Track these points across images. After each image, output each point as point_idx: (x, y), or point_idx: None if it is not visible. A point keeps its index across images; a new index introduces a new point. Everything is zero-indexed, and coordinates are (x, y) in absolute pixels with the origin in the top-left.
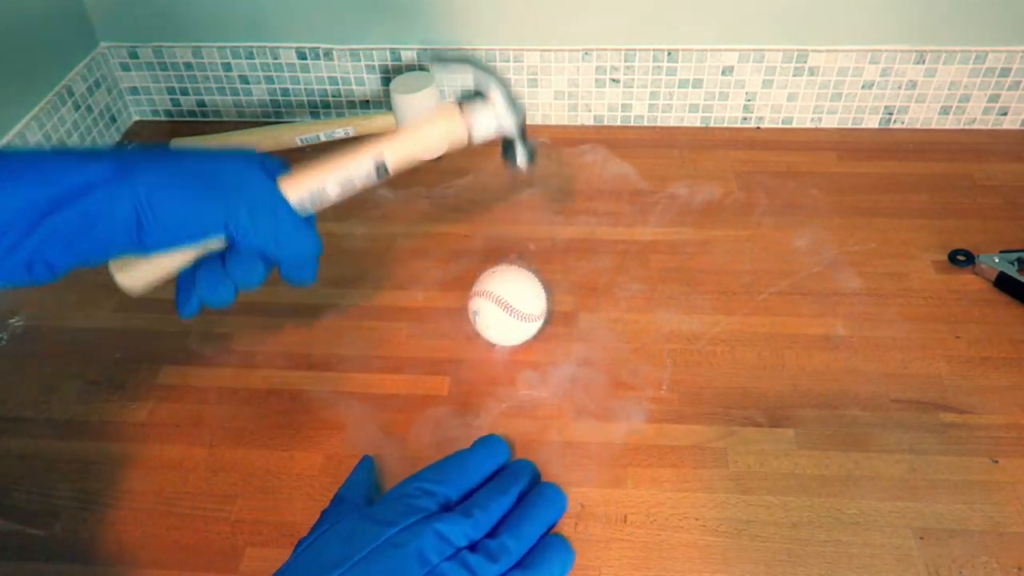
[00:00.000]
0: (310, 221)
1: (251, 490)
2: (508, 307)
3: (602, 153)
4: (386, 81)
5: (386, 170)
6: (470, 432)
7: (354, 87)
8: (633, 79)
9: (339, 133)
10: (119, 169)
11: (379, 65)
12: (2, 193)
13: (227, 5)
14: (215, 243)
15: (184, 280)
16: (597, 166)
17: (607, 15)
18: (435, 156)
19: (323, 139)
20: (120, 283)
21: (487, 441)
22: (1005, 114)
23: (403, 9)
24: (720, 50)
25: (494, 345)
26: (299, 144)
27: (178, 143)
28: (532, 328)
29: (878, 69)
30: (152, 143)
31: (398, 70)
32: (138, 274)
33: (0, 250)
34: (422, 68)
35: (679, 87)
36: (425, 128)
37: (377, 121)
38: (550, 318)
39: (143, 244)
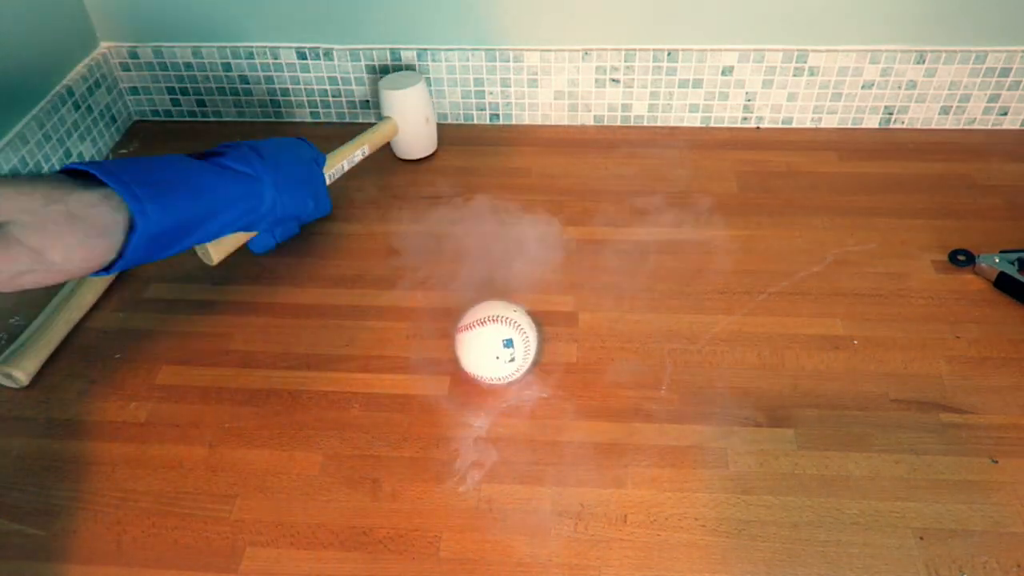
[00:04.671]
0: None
1: (251, 490)
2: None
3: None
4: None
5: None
6: (470, 432)
7: (354, 87)
8: (633, 79)
9: (358, 156)
10: (265, 179)
11: (379, 65)
12: (210, 194)
13: (227, 5)
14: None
15: (263, 235)
16: (598, 167)
17: (607, 15)
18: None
19: (347, 168)
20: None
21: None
22: (1005, 114)
23: (403, 9)
24: (720, 50)
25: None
26: (330, 181)
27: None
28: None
29: (878, 69)
30: (152, 144)
31: (398, 69)
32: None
33: (203, 231)
34: (408, 68)
35: (679, 87)
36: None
37: (383, 129)
38: (550, 319)
39: (255, 227)
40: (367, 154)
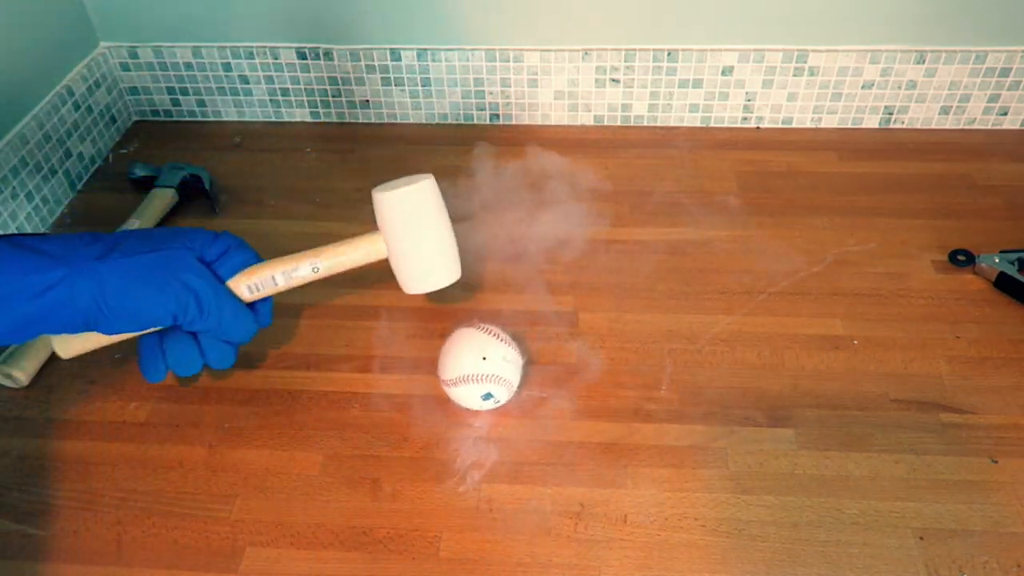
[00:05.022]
0: (265, 303)
1: (251, 490)
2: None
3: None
4: (386, 81)
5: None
6: (470, 432)
7: (354, 87)
8: (633, 79)
9: (303, 272)
10: (79, 267)
11: (379, 65)
12: None
13: (227, 5)
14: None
15: (148, 348)
16: (597, 167)
17: (607, 15)
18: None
19: (281, 285)
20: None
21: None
22: (1005, 114)
23: (403, 9)
24: (720, 50)
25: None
26: (249, 295)
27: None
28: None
29: (878, 69)
30: (152, 144)
31: (398, 70)
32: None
33: None
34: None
35: (679, 87)
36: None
37: (357, 246)
38: (550, 319)
39: (97, 328)
40: (320, 272)
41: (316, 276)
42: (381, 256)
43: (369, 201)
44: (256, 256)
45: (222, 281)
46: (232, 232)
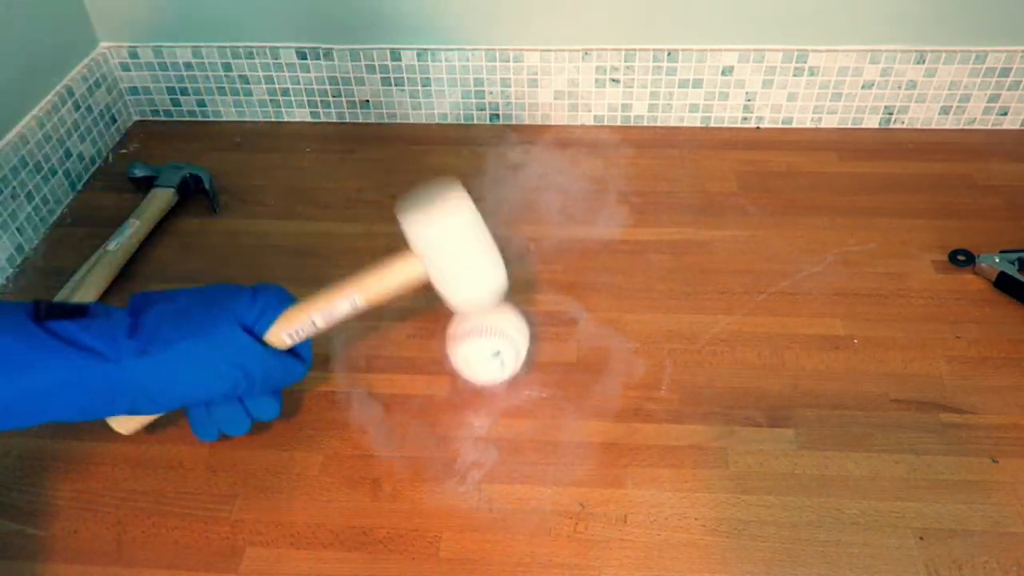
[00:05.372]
0: (305, 344)
1: (251, 490)
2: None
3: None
4: (386, 81)
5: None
6: (470, 432)
7: (354, 87)
8: (633, 79)
9: (344, 308)
10: (122, 365)
11: (379, 65)
12: (31, 373)
13: (227, 5)
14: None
15: (198, 416)
16: (597, 167)
17: (607, 15)
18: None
19: (321, 326)
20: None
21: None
22: (1005, 114)
23: (403, 9)
24: (720, 50)
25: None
26: (290, 341)
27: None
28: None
29: (878, 69)
30: (152, 144)
31: (398, 70)
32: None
33: (25, 414)
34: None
35: (679, 87)
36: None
37: (397, 270)
38: (550, 319)
39: (140, 414)
40: (360, 306)
41: (356, 311)
42: (421, 280)
43: (370, 202)
44: (292, 298)
45: (263, 341)
46: (232, 232)
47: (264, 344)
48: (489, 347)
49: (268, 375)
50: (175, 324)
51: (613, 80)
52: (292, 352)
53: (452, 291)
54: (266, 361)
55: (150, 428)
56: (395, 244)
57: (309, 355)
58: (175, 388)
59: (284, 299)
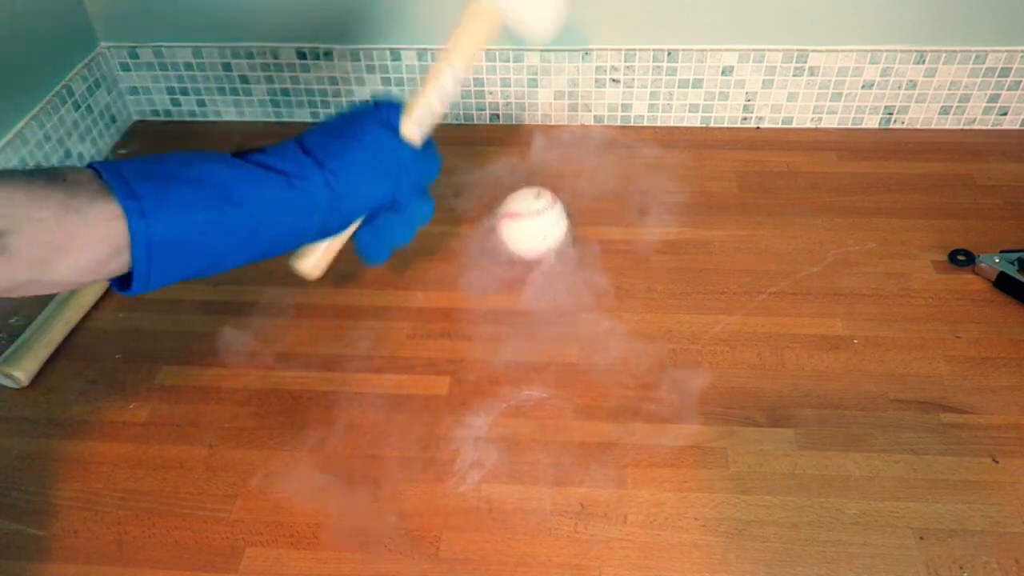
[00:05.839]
0: (431, 142)
1: (251, 490)
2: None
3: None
4: (386, 81)
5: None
6: (471, 432)
7: (354, 87)
8: (633, 79)
9: (447, 82)
10: (308, 172)
11: (379, 65)
12: (239, 193)
13: (227, 5)
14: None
15: (365, 239)
16: (598, 167)
17: (607, 15)
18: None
19: (440, 107)
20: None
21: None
22: (1005, 114)
23: (403, 9)
24: (720, 50)
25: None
26: (422, 133)
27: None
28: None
29: (878, 69)
30: (152, 144)
31: (398, 70)
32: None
33: (241, 243)
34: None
35: (679, 87)
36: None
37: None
38: (550, 319)
39: (327, 231)
40: (459, 73)
41: (459, 79)
42: (495, 23)
43: None
44: (400, 100)
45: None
46: None
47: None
48: (540, 227)
49: (418, 169)
50: (338, 138)
51: (613, 80)
52: (425, 146)
53: (523, 18)
54: (414, 154)
55: (150, 427)
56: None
57: (435, 151)
58: (355, 195)
59: (397, 101)
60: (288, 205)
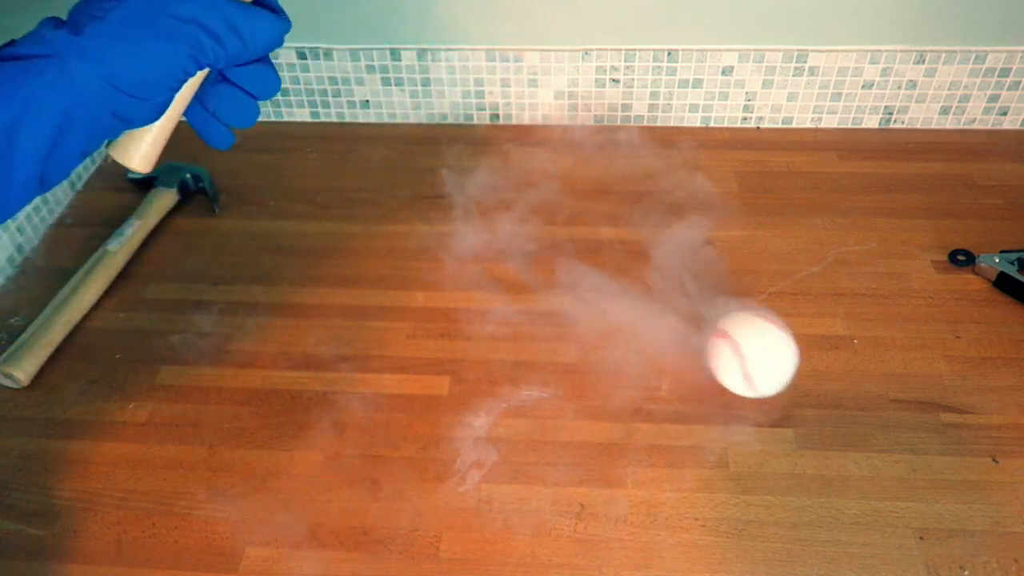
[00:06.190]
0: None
1: (251, 490)
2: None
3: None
4: (386, 81)
5: None
6: (470, 432)
7: (354, 87)
8: (633, 79)
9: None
10: (63, 51)
11: (379, 65)
12: None
13: None
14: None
15: (197, 118)
16: (597, 167)
17: (607, 15)
18: None
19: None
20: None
21: None
22: (1005, 114)
23: (403, 9)
24: (720, 50)
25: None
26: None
27: None
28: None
29: (878, 69)
30: None
31: (398, 69)
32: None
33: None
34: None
35: (679, 87)
36: None
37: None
38: (550, 319)
39: (130, 117)
40: None
41: None
42: None
43: (369, 202)
44: None
45: None
46: (232, 231)
47: None
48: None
49: (234, 28)
50: (102, 1)
51: (613, 80)
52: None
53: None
54: (220, 8)
55: (150, 427)
56: (395, 244)
57: (279, 6)
58: (133, 65)
59: None
60: (47, 98)
